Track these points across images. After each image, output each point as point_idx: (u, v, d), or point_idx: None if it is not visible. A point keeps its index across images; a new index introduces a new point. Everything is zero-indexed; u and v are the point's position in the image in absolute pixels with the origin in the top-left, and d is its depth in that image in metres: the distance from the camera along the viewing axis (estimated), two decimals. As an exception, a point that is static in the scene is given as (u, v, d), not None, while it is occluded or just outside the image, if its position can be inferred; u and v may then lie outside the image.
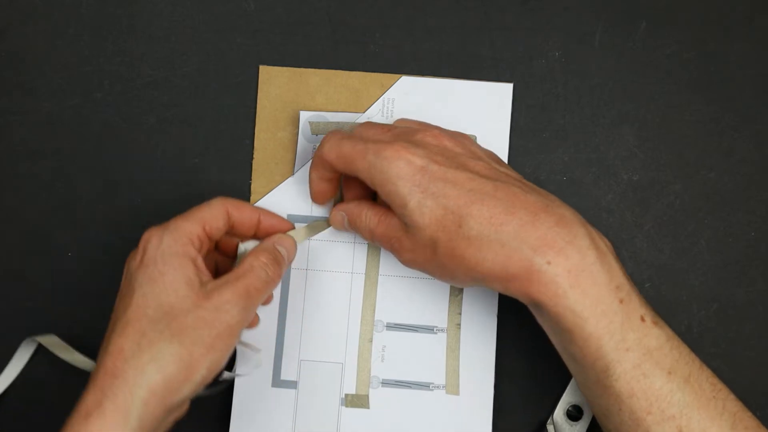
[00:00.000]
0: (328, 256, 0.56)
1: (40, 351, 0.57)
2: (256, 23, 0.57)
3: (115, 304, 0.48)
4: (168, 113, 0.57)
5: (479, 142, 0.56)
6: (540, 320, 0.47)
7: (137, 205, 0.57)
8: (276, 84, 0.57)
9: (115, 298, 0.49)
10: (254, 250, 0.50)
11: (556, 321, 0.44)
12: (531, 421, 0.56)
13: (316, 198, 0.54)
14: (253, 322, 0.54)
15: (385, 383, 0.55)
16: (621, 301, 0.44)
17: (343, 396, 0.55)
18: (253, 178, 0.56)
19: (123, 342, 0.45)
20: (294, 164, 0.56)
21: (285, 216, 0.56)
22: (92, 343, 0.57)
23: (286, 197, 0.56)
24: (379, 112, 0.56)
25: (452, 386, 0.55)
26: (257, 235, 0.53)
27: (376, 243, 0.52)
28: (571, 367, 0.47)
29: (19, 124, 0.57)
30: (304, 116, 0.56)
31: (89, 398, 0.44)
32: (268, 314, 0.56)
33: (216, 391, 0.53)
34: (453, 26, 0.57)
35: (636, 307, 0.44)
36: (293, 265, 0.56)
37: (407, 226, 0.48)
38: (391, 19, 0.57)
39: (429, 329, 0.55)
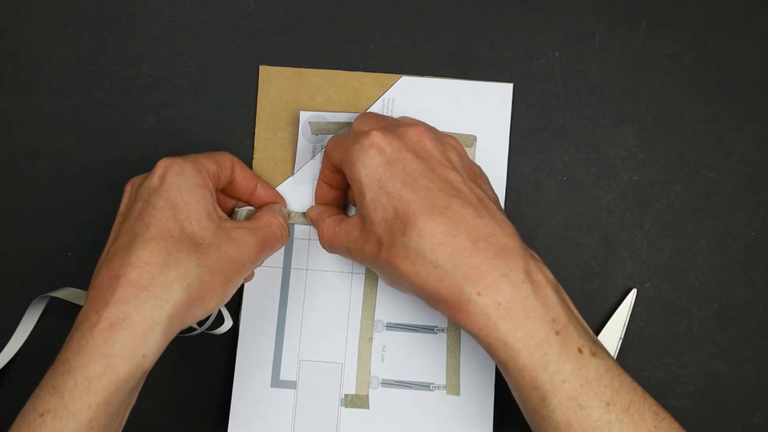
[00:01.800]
0: (328, 256, 0.56)
1: (51, 312, 0.57)
2: (256, 23, 0.57)
3: (118, 224, 0.48)
4: (168, 113, 0.57)
5: (479, 141, 0.56)
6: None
7: (137, 205, 0.57)
8: (276, 84, 0.57)
9: (117, 220, 0.49)
10: (269, 210, 0.52)
11: (489, 351, 0.44)
12: (531, 421, 0.56)
13: (317, 202, 0.55)
14: (249, 275, 0.55)
15: (385, 383, 0.55)
16: (557, 333, 0.43)
17: (343, 396, 0.55)
18: (253, 178, 0.56)
19: (149, 256, 0.44)
20: (294, 164, 0.56)
21: (285, 216, 0.56)
22: (92, 343, 0.57)
23: (286, 197, 0.56)
24: (379, 113, 0.56)
25: (453, 386, 0.55)
26: (251, 202, 0.54)
27: (334, 252, 0.52)
28: (514, 395, 0.46)
29: (19, 124, 0.57)
30: (304, 116, 0.56)
31: (112, 309, 0.43)
32: (268, 314, 0.56)
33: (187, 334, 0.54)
34: (453, 26, 0.57)
35: (573, 338, 0.43)
36: (293, 265, 0.56)
37: (362, 220, 0.48)
38: (391, 19, 0.57)
39: (429, 329, 0.55)
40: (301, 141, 0.56)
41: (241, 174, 0.53)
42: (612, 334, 0.55)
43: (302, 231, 0.56)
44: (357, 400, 0.55)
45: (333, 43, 0.57)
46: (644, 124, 0.56)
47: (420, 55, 0.57)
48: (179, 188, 0.47)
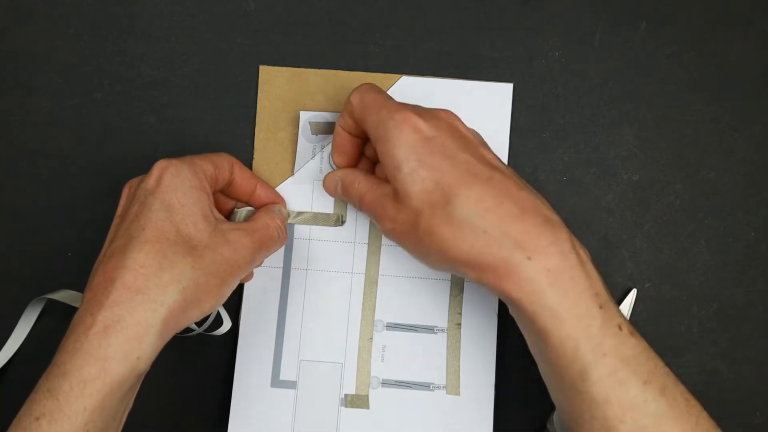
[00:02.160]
0: (328, 256, 0.56)
1: (49, 313, 0.57)
2: (256, 23, 0.57)
3: (115, 227, 0.48)
4: (168, 113, 0.57)
5: (479, 142, 0.56)
6: (517, 319, 0.46)
7: (137, 205, 0.57)
8: (276, 84, 0.57)
9: (114, 221, 0.48)
10: (267, 212, 0.52)
11: (532, 319, 0.43)
12: (531, 421, 0.56)
13: (335, 153, 0.53)
14: (247, 275, 0.55)
15: (385, 383, 0.55)
16: (600, 307, 0.43)
17: (343, 396, 0.55)
18: (253, 178, 0.56)
19: (144, 258, 0.44)
20: (294, 164, 0.56)
21: (285, 216, 0.56)
22: (92, 343, 0.57)
23: (286, 197, 0.56)
24: None
25: (453, 386, 0.55)
26: (250, 203, 0.54)
27: (363, 211, 0.51)
28: (544, 370, 0.46)
29: (19, 124, 0.57)
30: (304, 116, 0.56)
31: (106, 312, 0.43)
32: (268, 314, 0.56)
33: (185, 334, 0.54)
34: (453, 26, 0.57)
35: (614, 315, 0.43)
36: (293, 265, 0.56)
37: (396, 192, 0.47)
38: (391, 19, 0.57)
39: (429, 329, 0.55)
40: (301, 141, 0.56)
41: (240, 175, 0.53)
42: (612, 334, 0.55)
43: (302, 231, 0.56)
44: (357, 400, 0.55)
45: (333, 43, 0.57)
46: (644, 124, 0.56)
47: (420, 55, 0.57)
48: (175, 190, 0.47)
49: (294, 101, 0.56)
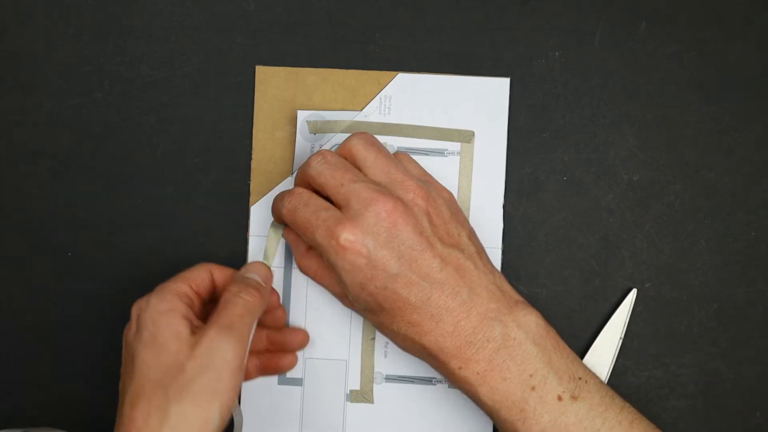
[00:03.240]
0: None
1: None
2: (255, 23, 0.57)
3: (121, 378, 0.48)
4: (168, 113, 0.57)
5: (477, 137, 0.56)
6: None
7: (137, 204, 0.57)
8: (273, 84, 0.57)
9: (122, 339, 0.49)
10: (229, 290, 0.50)
11: (477, 404, 0.49)
12: (531, 421, 0.56)
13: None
14: (291, 362, 0.55)
15: (389, 378, 0.56)
16: (533, 389, 0.47)
17: (348, 392, 0.56)
18: (252, 178, 0.56)
19: (133, 413, 0.45)
20: (293, 164, 0.56)
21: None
22: (90, 342, 0.57)
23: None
24: (376, 110, 0.56)
25: (454, 382, 0.56)
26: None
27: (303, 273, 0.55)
28: None
29: (19, 124, 0.57)
30: (302, 116, 0.56)
31: None
32: (267, 314, 0.56)
33: None
34: (453, 26, 0.57)
35: (552, 388, 0.47)
36: (294, 264, 0.56)
37: (346, 293, 0.51)
38: (391, 19, 0.57)
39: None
40: (300, 140, 0.56)
41: (221, 276, 0.52)
42: (612, 334, 0.55)
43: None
44: (362, 396, 0.56)
45: (333, 43, 0.57)
46: (644, 124, 0.56)
47: (420, 56, 0.57)
48: (146, 325, 0.47)
49: (291, 101, 0.56)
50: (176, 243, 0.57)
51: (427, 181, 0.52)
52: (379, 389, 0.56)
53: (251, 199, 0.56)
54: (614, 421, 0.47)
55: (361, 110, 0.56)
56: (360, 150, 0.51)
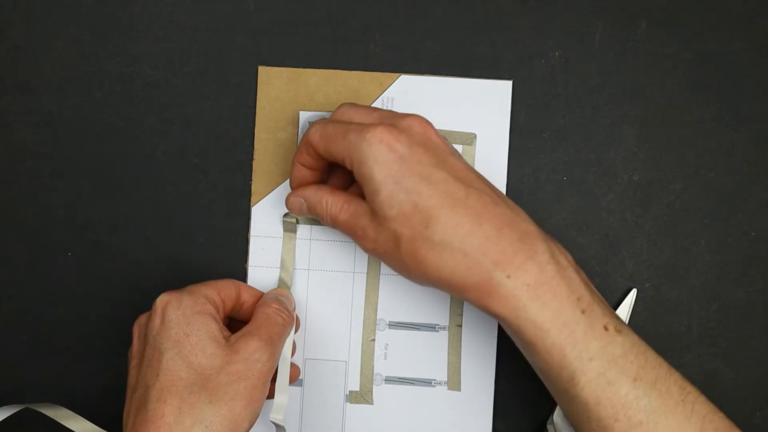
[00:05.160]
0: (330, 256, 0.56)
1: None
2: (256, 23, 0.57)
3: (134, 369, 0.48)
4: (168, 113, 0.57)
5: (479, 139, 0.56)
6: (507, 331, 0.47)
7: (137, 205, 0.57)
8: (275, 85, 0.57)
9: (132, 361, 0.49)
10: (264, 301, 0.51)
11: (517, 333, 0.45)
12: (531, 421, 0.56)
13: (294, 185, 0.53)
14: (294, 374, 0.55)
15: (388, 380, 0.56)
16: (583, 312, 0.44)
17: (348, 393, 0.56)
18: (253, 178, 0.56)
19: (163, 408, 0.45)
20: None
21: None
22: (90, 341, 0.57)
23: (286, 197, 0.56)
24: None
25: (454, 383, 0.56)
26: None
27: (338, 228, 0.51)
28: (541, 377, 0.47)
29: (19, 124, 0.57)
30: (304, 116, 0.56)
31: None
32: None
33: None
34: (453, 26, 0.57)
35: (598, 316, 0.45)
36: (295, 265, 0.56)
37: (375, 213, 0.47)
38: (391, 19, 0.57)
39: (431, 327, 0.56)
40: (302, 141, 0.56)
41: (248, 295, 0.53)
42: (612, 334, 0.55)
43: (303, 231, 0.56)
44: (361, 397, 0.56)
45: (333, 43, 0.57)
46: (644, 124, 0.56)
47: (420, 56, 0.57)
48: (178, 323, 0.47)
49: (293, 101, 0.56)
50: (176, 243, 0.57)
51: None
52: (379, 390, 0.56)
53: (252, 199, 0.56)
54: (655, 361, 0.45)
55: (363, 111, 0.56)
56: (348, 108, 0.50)
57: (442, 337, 0.56)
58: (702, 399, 0.45)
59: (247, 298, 0.52)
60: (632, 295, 0.55)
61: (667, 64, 0.56)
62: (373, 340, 0.56)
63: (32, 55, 0.57)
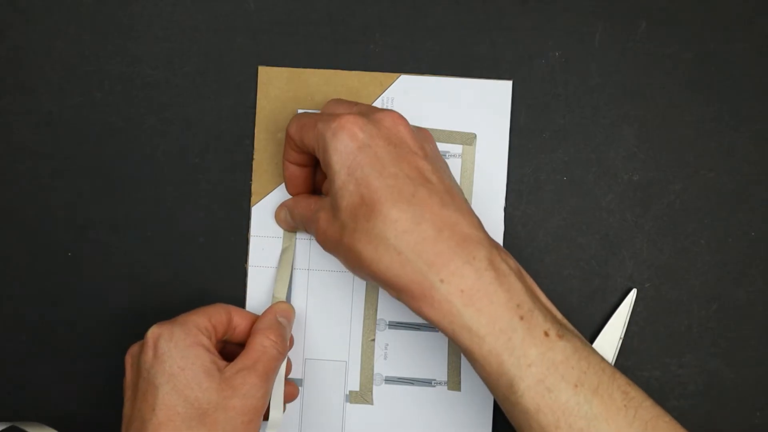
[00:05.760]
0: (330, 257, 0.56)
1: None
2: (256, 23, 0.57)
3: (128, 401, 0.48)
4: (168, 113, 0.57)
5: (479, 139, 0.56)
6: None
7: (137, 205, 0.57)
8: (275, 85, 0.57)
9: (127, 393, 0.49)
10: (262, 330, 0.51)
11: (453, 339, 0.44)
12: (531, 421, 0.56)
13: (288, 185, 0.54)
14: (293, 393, 0.55)
15: (388, 380, 0.56)
16: (521, 318, 0.43)
17: (348, 393, 0.56)
18: (253, 178, 0.56)
19: None
20: (294, 164, 0.56)
21: (285, 216, 0.56)
22: (90, 342, 0.57)
23: (286, 198, 0.56)
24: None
25: (454, 383, 0.56)
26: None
27: (303, 228, 0.52)
28: (485, 384, 0.46)
29: (19, 124, 0.57)
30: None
31: None
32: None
33: None
34: (453, 26, 0.57)
35: (539, 323, 0.44)
36: (295, 265, 0.56)
37: (331, 205, 0.47)
38: (391, 19, 0.57)
39: (431, 327, 0.56)
40: (302, 142, 0.56)
41: (239, 318, 0.52)
42: (612, 334, 0.55)
43: (304, 231, 0.56)
44: (361, 397, 0.56)
45: (333, 43, 0.57)
46: (644, 124, 0.56)
47: (420, 56, 0.57)
48: (172, 356, 0.47)
49: (293, 101, 0.56)
50: (176, 243, 0.57)
51: None
52: (379, 390, 0.56)
53: (252, 199, 0.56)
54: (598, 366, 0.44)
55: (363, 111, 0.56)
56: (334, 103, 0.51)
57: (442, 337, 0.56)
58: (647, 404, 0.44)
59: (239, 322, 0.52)
60: (632, 295, 0.55)
61: (667, 64, 0.56)
62: (373, 340, 0.56)
63: (32, 55, 0.57)
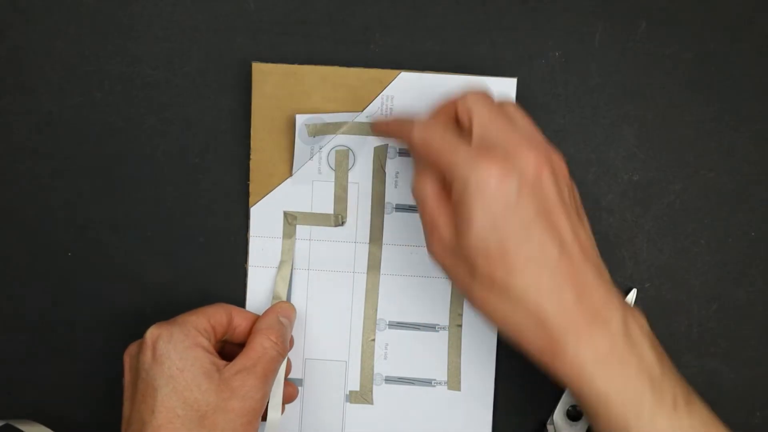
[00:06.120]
0: (330, 256, 0.56)
1: None
2: (255, 23, 0.57)
3: (127, 401, 0.48)
4: (168, 113, 0.57)
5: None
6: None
7: (137, 205, 0.57)
8: (270, 82, 0.56)
9: (125, 392, 0.49)
10: (263, 330, 0.51)
11: (579, 398, 0.44)
12: (531, 421, 0.56)
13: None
14: (292, 394, 0.55)
15: (388, 380, 0.56)
16: (652, 386, 0.43)
17: (348, 393, 0.56)
18: (251, 179, 0.56)
19: None
20: (292, 165, 0.56)
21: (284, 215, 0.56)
22: (90, 342, 0.57)
23: (286, 198, 0.56)
24: (378, 110, 0.56)
25: (454, 382, 0.56)
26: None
27: (419, 212, 0.48)
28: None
29: (19, 124, 0.57)
30: (300, 119, 0.55)
31: None
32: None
33: None
34: (453, 26, 0.57)
35: (667, 392, 0.43)
36: (295, 265, 0.56)
37: (458, 228, 0.45)
38: (391, 19, 0.57)
39: (431, 327, 0.56)
40: (299, 143, 0.56)
41: (239, 319, 0.52)
42: (612, 334, 0.55)
43: (303, 231, 0.56)
44: (361, 397, 0.56)
45: (333, 42, 0.57)
46: (644, 124, 0.56)
47: (420, 55, 0.57)
48: (170, 358, 0.47)
49: (289, 99, 0.56)
50: (176, 243, 0.57)
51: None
52: (379, 390, 0.56)
53: (251, 199, 0.56)
54: None
55: (362, 111, 0.56)
56: (477, 104, 0.48)
57: (442, 337, 0.56)
58: None
59: (240, 322, 0.52)
60: (632, 295, 0.55)
61: (667, 64, 0.56)
62: (373, 340, 0.56)
63: (32, 55, 0.57)
